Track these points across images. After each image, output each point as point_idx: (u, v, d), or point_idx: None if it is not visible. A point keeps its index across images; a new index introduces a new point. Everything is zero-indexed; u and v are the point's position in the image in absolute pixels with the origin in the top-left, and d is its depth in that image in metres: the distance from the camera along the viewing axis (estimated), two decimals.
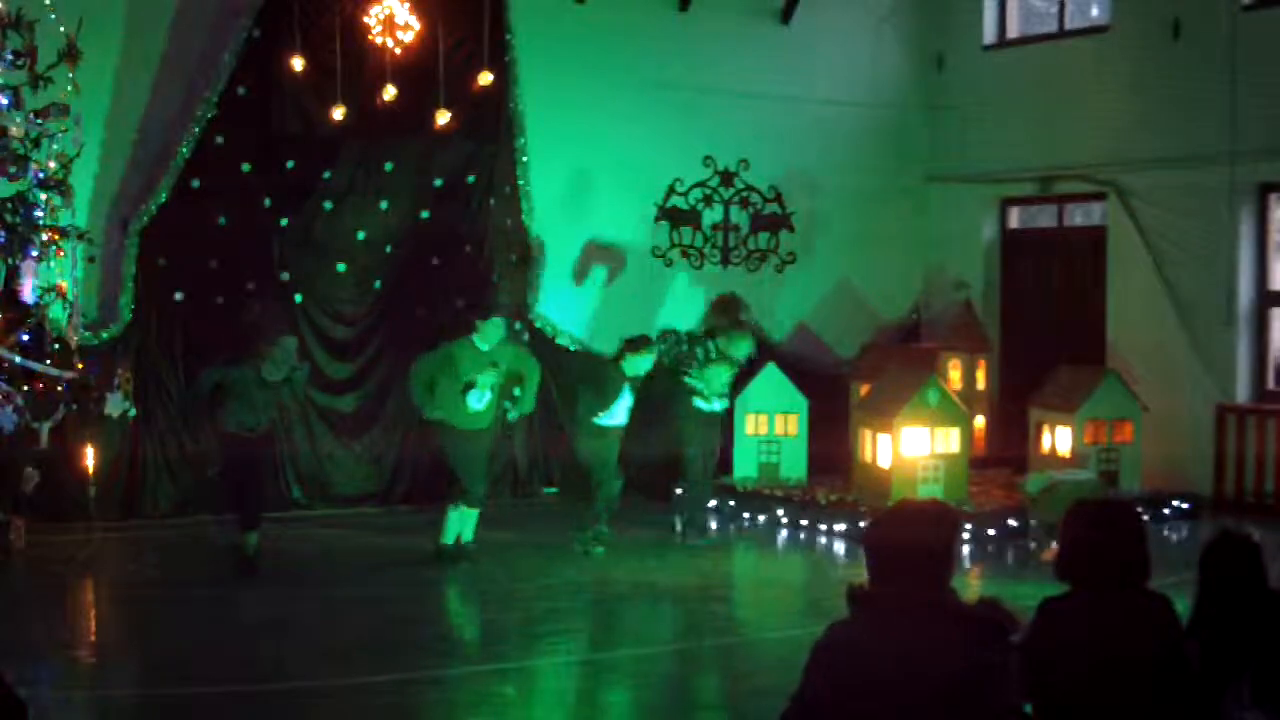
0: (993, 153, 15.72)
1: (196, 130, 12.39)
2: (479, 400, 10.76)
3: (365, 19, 12.44)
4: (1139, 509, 7.03)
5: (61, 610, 9.64)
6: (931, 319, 16.08)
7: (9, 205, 10.48)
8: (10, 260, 10.55)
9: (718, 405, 12.25)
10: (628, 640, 8.77)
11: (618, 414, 11.58)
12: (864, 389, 13.76)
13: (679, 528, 12.18)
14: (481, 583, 10.43)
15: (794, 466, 13.76)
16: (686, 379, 12.17)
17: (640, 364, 11.61)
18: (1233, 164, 13.61)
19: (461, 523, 10.97)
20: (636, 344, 11.69)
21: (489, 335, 10.87)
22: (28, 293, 10.63)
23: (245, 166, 12.62)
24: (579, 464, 11.70)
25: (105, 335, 12.03)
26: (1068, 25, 15.62)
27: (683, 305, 14.94)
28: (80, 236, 10.90)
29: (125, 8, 12.19)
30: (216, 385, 10.71)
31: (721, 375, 12.14)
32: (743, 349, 12.43)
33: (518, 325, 13.34)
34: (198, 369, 12.33)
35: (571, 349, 14.24)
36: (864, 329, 15.41)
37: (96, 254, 11.19)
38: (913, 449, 12.26)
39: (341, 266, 13.16)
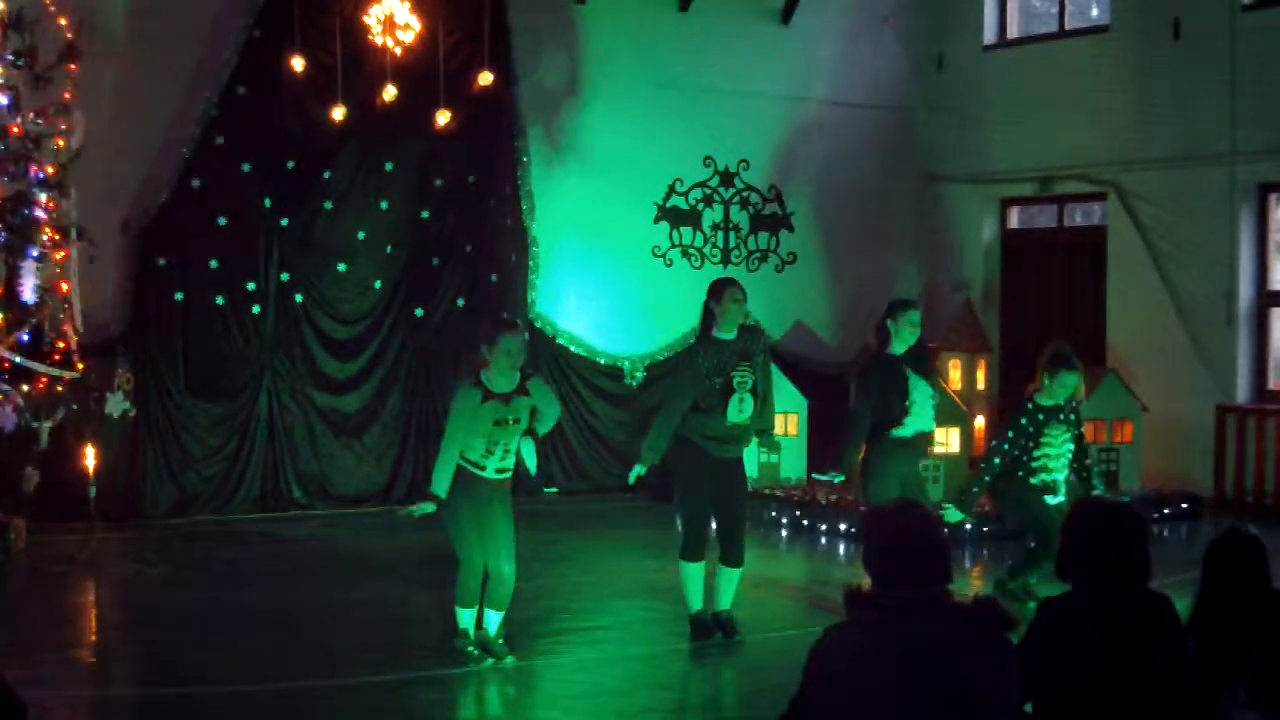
0: (993, 153, 15.73)
1: (196, 130, 12.40)
2: (739, 411, 8.28)
3: (365, 19, 12.46)
4: (1139, 509, 7.11)
5: (61, 610, 9.63)
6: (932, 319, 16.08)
7: (9, 205, 10.49)
8: (10, 260, 10.56)
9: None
10: (627, 641, 8.77)
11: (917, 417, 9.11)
12: None
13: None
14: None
15: (794, 466, 13.77)
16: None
17: (910, 331, 9.16)
18: (1233, 164, 13.63)
19: (706, 583, 8.60)
20: (894, 308, 9.26)
21: (731, 317, 8.37)
22: (28, 293, 10.63)
23: (245, 166, 12.62)
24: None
25: (105, 335, 12.03)
26: (1068, 25, 15.63)
27: (682, 306, 14.94)
28: (80, 236, 10.91)
29: (125, 7, 12.19)
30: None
31: None
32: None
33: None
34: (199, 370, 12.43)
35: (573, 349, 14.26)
36: (864, 329, 15.39)
37: (96, 254, 11.19)
38: None
39: (341, 266, 13.17)
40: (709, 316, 8.47)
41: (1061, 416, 9.30)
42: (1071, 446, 9.37)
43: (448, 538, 7.96)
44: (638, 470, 8.50)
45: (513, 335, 7.82)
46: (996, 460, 9.34)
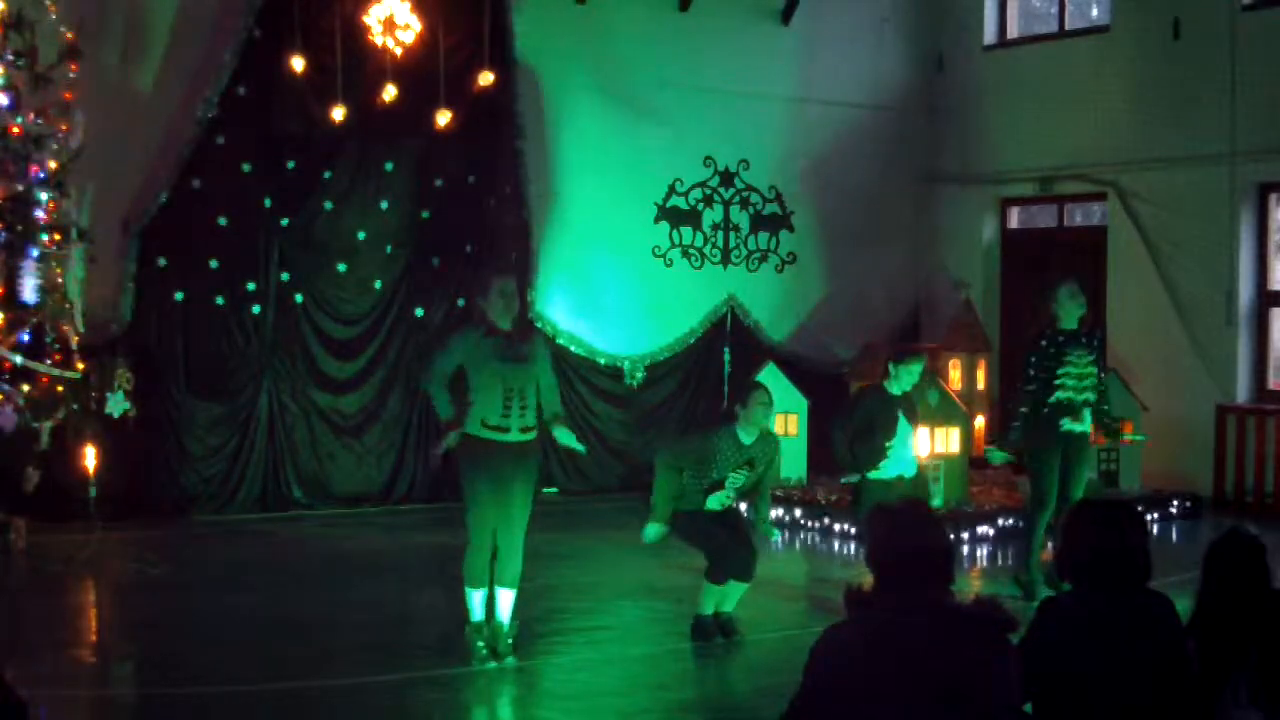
0: (993, 153, 15.73)
1: (196, 130, 12.40)
2: (720, 503, 8.45)
3: (365, 19, 12.46)
4: (1139, 509, 7.09)
5: (61, 610, 9.63)
6: (932, 319, 16.08)
7: (9, 205, 10.48)
8: (10, 260, 10.56)
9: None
10: (627, 641, 8.78)
11: (902, 457, 9.24)
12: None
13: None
14: None
15: (794, 466, 13.77)
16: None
17: (909, 378, 9.30)
18: (1233, 164, 13.63)
19: (721, 595, 8.59)
20: (903, 354, 9.50)
21: (756, 421, 8.38)
22: (28, 293, 10.63)
23: (245, 166, 12.62)
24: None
25: (105, 335, 12.03)
26: (1068, 25, 15.64)
27: (683, 306, 14.94)
28: (80, 236, 10.91)
29: (126, 7, 12.19)
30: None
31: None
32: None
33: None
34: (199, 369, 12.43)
35: (571, 350, 14.27)
36: (864, 329, 15.41)
37: (96, 254, 11.19)
38: None
39: (342, 266, 13.17)
40: (731, 411, 8.54)
41: (1083, 340, 9.59)
42: (1095, 370, 9.62)
43: (463, 511, 7.97)
44: (655, 530, 8.46)
45: (504, 278, 8.11)
46: (1027, 387, 9.57)
